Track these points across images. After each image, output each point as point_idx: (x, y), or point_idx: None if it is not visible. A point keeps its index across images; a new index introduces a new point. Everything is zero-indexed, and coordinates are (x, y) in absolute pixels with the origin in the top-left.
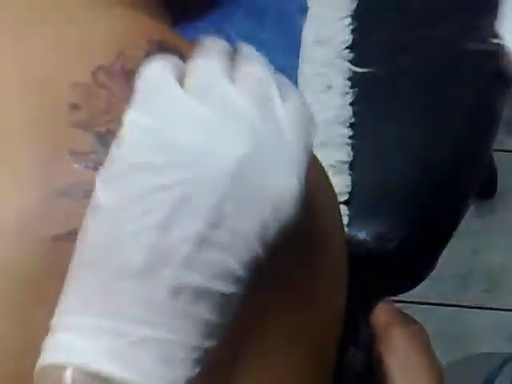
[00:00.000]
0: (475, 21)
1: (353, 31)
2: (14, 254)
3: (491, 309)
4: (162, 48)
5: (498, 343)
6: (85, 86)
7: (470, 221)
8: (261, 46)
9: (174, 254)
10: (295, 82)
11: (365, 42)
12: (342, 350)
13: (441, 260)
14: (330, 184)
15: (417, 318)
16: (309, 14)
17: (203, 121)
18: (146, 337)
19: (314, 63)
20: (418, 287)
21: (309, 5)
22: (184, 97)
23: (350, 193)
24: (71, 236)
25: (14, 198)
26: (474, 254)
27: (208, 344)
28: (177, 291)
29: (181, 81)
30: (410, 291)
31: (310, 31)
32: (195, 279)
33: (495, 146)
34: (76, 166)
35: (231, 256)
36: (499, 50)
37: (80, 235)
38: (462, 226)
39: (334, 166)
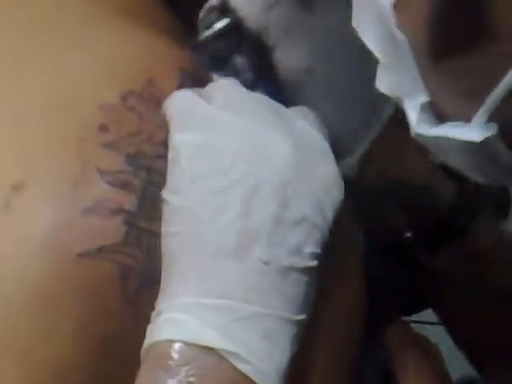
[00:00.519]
0: None
1: None
2: (38, 268)
3: None
4: (193, 78)
5: None
6: (115, 108)
7: None
8: None
9: (259, 235)
10: None
11: None
12: (360, 371)
13: None
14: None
15: (431, 338)
16: None
17: (243, 127)
18: (249, 313)
19: None
20: None
21: None
22: (217, 111)
23: None
24: (96, 253)
25: (41, 213)
26: None
27: (300, 318)
28: (266, 267)
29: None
30: (425, 311)
31: None
32: (280, 254)
33: None
34: (104, 184)
35: (303, 233)
36: None
37: (163, 233)
38: None
39: None
